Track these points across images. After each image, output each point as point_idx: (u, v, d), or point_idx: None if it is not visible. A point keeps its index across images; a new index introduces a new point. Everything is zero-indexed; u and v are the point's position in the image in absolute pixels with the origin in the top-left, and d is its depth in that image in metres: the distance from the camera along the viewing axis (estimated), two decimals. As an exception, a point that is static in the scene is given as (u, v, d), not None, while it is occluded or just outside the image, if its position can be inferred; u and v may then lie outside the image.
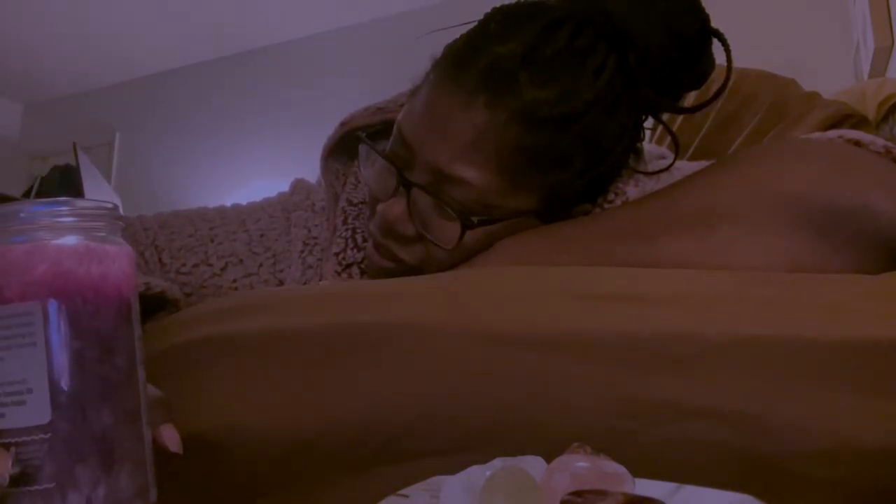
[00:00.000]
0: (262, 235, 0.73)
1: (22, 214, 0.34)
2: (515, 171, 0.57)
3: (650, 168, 0.65)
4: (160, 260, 0.69)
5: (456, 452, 0.38)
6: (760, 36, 2.82)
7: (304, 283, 0.70)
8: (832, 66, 2.35)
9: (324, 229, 0.72)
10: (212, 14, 3.87)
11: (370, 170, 0.63)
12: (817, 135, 0.55)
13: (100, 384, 0.34)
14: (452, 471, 0.29)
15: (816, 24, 2.72)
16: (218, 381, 0.42)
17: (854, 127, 1.07)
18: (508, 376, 0.40)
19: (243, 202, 0.78)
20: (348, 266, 0.68)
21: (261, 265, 0.71)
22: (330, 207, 0.73)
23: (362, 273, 0.68)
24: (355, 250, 0.68)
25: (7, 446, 0.32)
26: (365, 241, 0.69)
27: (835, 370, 0.34)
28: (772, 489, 0.34)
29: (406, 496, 0.30)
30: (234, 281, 0.70)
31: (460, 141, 0.56)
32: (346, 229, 0.69)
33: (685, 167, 0.65)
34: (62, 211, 0.34)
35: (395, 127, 0.61)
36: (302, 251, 0.71)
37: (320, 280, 0.69)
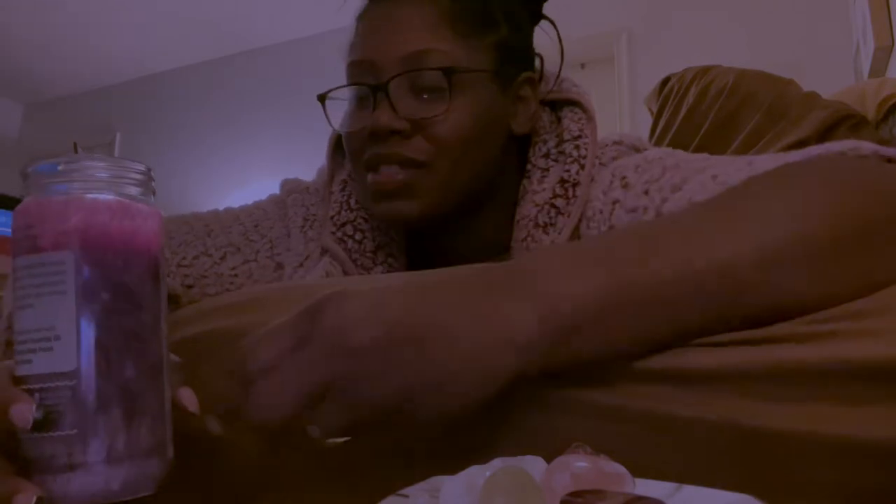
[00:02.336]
0: (256, 226, 0.76)
1: (60, 167, 0.35)
2: (465, 33, 0.65)
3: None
4: None
5: (456, 455, 0.38)
6: (760, 36, 2.83)
7: (307, 257, 0.73)
8: (832, 66, 2.35)
9: (319, 207, 0.76)
10: (212, 14, 3.87)
11: (348, 118, 0.68)
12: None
13: (125, 336, 0.35)
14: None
15: (816, 24, 2.72)
16: (218, 375, 0.42)
17: (854, 127, 1.07)
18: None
19: (236, 206, 0.81)
20: (342, 225, 0.71)
21: (258, 251, 0.74)
22: (326, 186, 0.76)
23: (355, 230, 0.71)
24: (349, 211, 0.72)
25: (31, 392, 0.33)
26: (358, 203, 0.72)
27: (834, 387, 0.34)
28: (772, 489, 0.34)
29: (406, 496, 0.30)
30: (234, 268, 0.72)
31: (415, 24, 0.65)
32: (343, 195, 0.73)
33: (653, 153, 0.66)
34: (99, 167, 0.35)
35: (347, 67, 0.68)
36: (303, 226, 0.75)
37: (321, 253, 0.72)
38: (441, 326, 0.35)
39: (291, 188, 0.79)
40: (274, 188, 0.82)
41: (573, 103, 0.72)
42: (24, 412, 0.32)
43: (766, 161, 0.53)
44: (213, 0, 3.76)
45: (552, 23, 0.75)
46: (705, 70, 1.27)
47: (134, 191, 0.36)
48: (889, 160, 0.46)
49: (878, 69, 1.80)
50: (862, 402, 0.34)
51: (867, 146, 0.47)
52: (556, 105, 0.73)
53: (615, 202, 0.64)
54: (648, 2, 3.15)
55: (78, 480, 0.33)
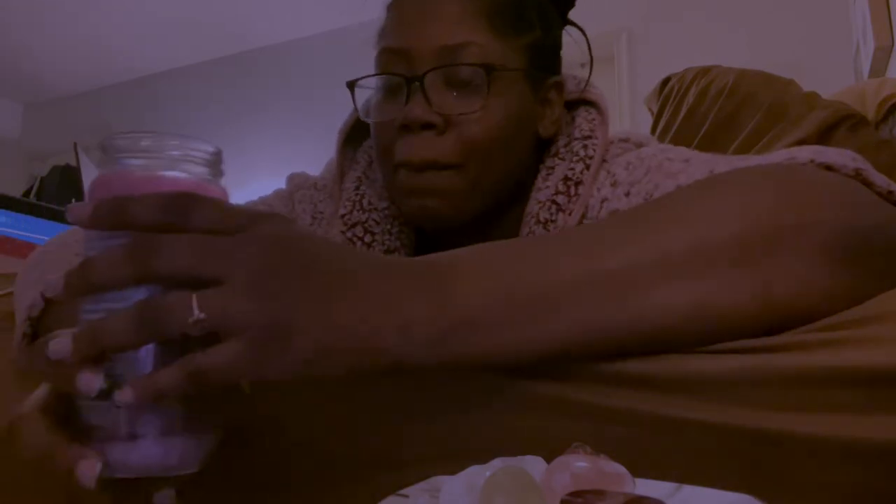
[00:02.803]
0: None
1: (144, 143, 0.36)
2: (502, 32, 0.65)
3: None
4: None
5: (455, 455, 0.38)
6: (760, 36, 2.83)
7: None
8: (832, 66, 2.35)
9: (328, 204, 0.75)
10: (212, 14, 3.87)
11: (377, 107, 0.67)
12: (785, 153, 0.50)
13: None
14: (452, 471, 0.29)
15: (816, 24, 2.72)
16: None
17: (854, 127, 1.07)
18: None
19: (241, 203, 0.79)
20: (353, 225, 0.70)
21: None
22: (336, 182, 0.74)
23: (366, 232, 0.70)
24: (361, 212, 0.71)
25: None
26: (371, 204, 0.71)
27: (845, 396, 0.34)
28: (772, 489, 0.34)
29: (406, 496, 0.30)
30: None
31: (454, 16, 0.64)
32: (357, 194, 0.72)
33: (647, 150, 0.66)
34: (174, 145, 0.36)
35: (378, 55, 0.67)
36: (311, 223, 0.74)
37: None
38: (348, 282, 0.35)
39: (299, 183, 0.78)
40: (273, 188, 0.81)
41: (588, 103, 0.72)
42: (91, 381, 0.33)
43: (726, 166, 0.54)
44: (213, 0, 3.76)
45: (580, 28, 0.74)
46: (705, 70, 1.27)
47: (205, 171, 0.37)
48: (828, 167, 0.44)
49: (878, 69, 1.80)
50: (864, 409, 0.33)
51: (805, 154, 0.46)
52: (572, 105, 0.73)
53: (604, 200, 0.64)
54: (648, 2, 3.15)
55: (136, 451, 0.34)
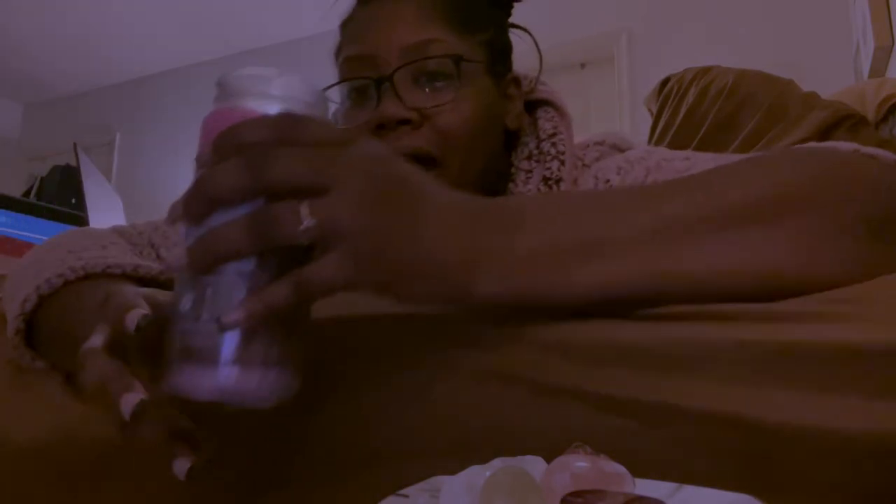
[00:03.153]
0: None
1: (253, 81, 0.37)
2: (459, 30, 0.66)
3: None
4: (158, 256, 0.71)
5: (456, 452, 0.38)
6: (760, 36, 2.83)
7: None
8: (832, 66, 2.35)
9: None
10: (212, 14, 3.87)
11: (346, 117, 0.68)
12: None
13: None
14: (452, 470, 0.29)
15: (816, 24, 2.72)
16: None
17: (853, 127, 1.07)
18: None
19: None
20: None
21: None
22: None
23: None
24: None
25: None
26: None
27: (836, 373, 0.34)
28: (772, 489, 0.34)
29: (406, 496, 0.30)
30: None
31: (413, 18, 0.66)
32: None
33: (634, 153, 0.67)
34: (285, 83, 0.38)
35: (341, 66, 0.68)
36: None
37: None
38: (436, 210, 0.37)
39: None
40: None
41: (546, 103, 0.73)
42: (134, 315, 0.36)
43: (728, 162, 0.54)
44: (212, 0, 3.76)
45: (525, 30, 0.76)
46: (705, 70, 1.27)
47: (311, 108, 0.38)
48: (871, 157, 0.46)
49: (878, 69, 1.79)
50: (843, 389, 0.33)
51: (847, 145, 0.47)
52: (531, 108, 0.74)
53: None
54: (648, 2, 3.15)
55: (214, 375, 0.34)
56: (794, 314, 0.37)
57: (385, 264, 0.35)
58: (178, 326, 0.35)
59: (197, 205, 0.34)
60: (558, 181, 0.67)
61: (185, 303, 0.35)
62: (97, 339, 0.38)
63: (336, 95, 0.68)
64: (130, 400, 0.35)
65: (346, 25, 0.71)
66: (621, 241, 0.39)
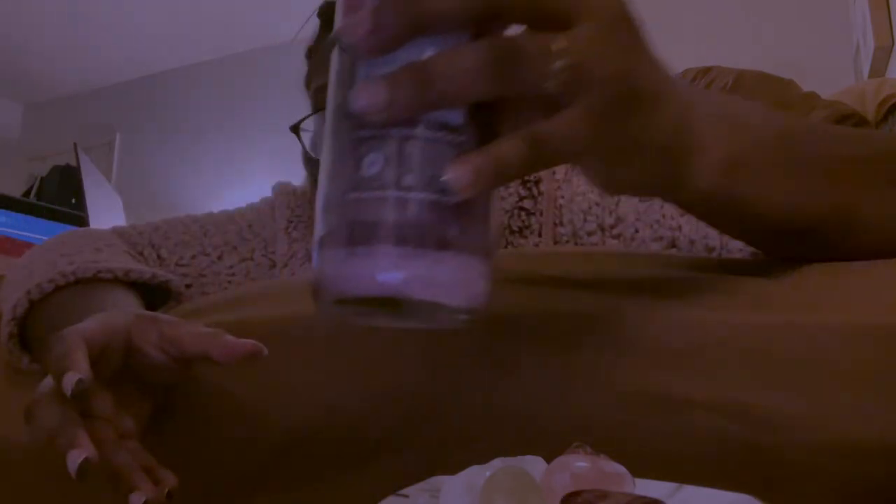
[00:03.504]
0: (249, 226, 0.77)
1: None
2: None
3: None
4: (158, 256, 0.72)
5: (455, 444, 0.38)
6: (760, 36, 2.83)
7: (291, 257, 0.73)
8: (832, 66, 2.35)
9: (306, 209, 0.77)
10: (212, 14, 3.87)
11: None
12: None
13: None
14: (453, 468, 0.29)
15: (816, 24, 2.72)
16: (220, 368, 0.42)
17: (853, 127, 1.07)
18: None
19: (231, 208, 0.82)
20: None
21: (254, 250, 0.75)
22: (313, 188, 0.76)
23: None
24: None
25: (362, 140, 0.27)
26: None
27: (836, 359, 0.34)
28: (772, 481, 0.34)
29: (406, 496, 0.30)
30: (231, 266, 0.73)
31: None
32: None
33: None
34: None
35: (315, 93, 0.68)
36: (286, 227, 0.75)
37: (309, 256, 0.72)
38: (672, 83, 0.34)
39: (280, 191, 0.80)
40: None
41: None
42: (69, 380, 0.35)
43: None
44: (213, 0, 3.76)
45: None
46: (705, 70, 1.27)
47: None
48: None
49: (878, 69, 1.80)
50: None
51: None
52: None
53: (596, 204, 0.64)
54: (648, 2, 3.15)
55: (417, 261, 0.26)
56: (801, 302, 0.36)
57: (634, 130, 0.29)
58: (348, 196, 0.27)
59: (394, 25, 0.25)
60: (537, 182, 0.66)
61: (371, 165, 0.26)
62: (47, 385, 0.37)
63: (311, 126, 0.69)
64: (75, 457, 0.34)
65: (312, 54, 0.71)
66: (799, 135, 0.40)
